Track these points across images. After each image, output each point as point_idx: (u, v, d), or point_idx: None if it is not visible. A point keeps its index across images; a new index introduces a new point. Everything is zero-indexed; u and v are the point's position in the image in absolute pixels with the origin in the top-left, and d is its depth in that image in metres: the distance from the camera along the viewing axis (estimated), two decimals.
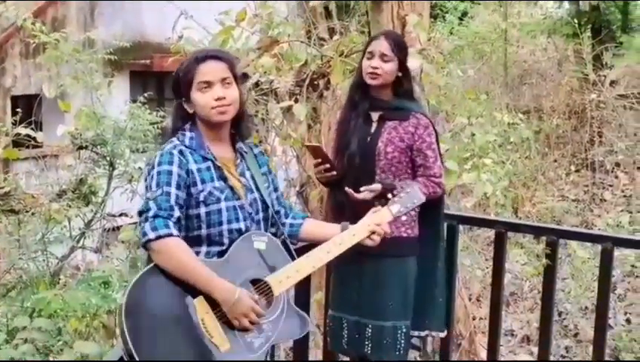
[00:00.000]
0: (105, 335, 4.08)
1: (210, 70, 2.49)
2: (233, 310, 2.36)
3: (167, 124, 2.68)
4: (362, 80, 3.35)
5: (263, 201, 2.62)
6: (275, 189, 2.74)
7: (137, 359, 2.24)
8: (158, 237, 2.33)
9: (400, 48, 3.35)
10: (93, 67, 5.50)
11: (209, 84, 2.48)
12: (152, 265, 2.37)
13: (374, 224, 2.69)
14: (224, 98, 2.49)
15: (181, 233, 2.44)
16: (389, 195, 2.86)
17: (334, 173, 3.26)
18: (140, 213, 2.40)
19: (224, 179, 2.52)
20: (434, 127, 3.39)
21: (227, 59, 2.55)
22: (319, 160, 3.27)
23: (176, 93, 2.57)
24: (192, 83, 2.50)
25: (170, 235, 2.34)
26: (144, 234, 2.34)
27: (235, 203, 2.51)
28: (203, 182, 2.47)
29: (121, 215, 5.32)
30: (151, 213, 2.36)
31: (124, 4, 11.20)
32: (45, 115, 7.49)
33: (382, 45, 3.31)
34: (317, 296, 4.39)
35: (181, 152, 2.47)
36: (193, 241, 2.46)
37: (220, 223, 2.48)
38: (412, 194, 2.85)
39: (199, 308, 2.36)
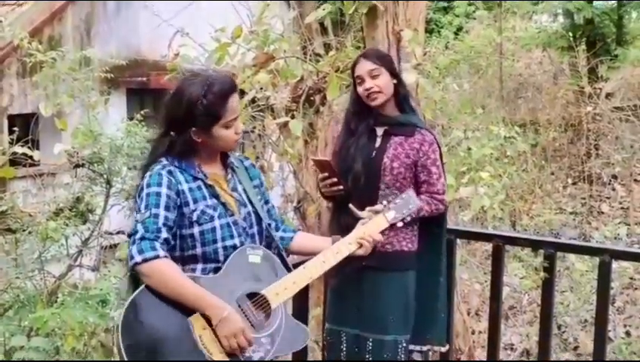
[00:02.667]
0: (103, 354, 4.06)
1: (236, 105, 2.48)
2: (221, 328, 2.34)
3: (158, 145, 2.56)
4: (358, 106, 3.35)
5: (257, 214, 2.61)
6: (266, 202, 2.73)
7: None
8: (145, 260, 2.32)
9: (382, 58, 3.36)
10: (90, 85, 5.50)
11: (234, 120, 2.47)
12: (143, 286, 2.35)
13: (365, 233, 2.71)
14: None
15: (176, 252, 2.45)
16: (384, 202, 2.88)
17: (341, 187, 3.24)
18: (129, 236, 2.40)
19: (216, 196, 2.51)
20: (438, 144, 3.39)
21: (237, 87, 2.54)
22: (326, 174, 3.25)
23: (188, 124, 2.43)
24: (220, 119, 2.44)
25: (157, 257, 2.33)
26: (131, 257, 2.34)
27: (229, 219, 2.51)
28: (195, 201, 2.46)
29: (118, 233, 5.30)
30: (138, 236, 2.36)
31: (120, 23, 11.24)
32: (42, 133, 7.48)
33: (364, 65, 3.30)
34: (315, 312, 4.38)
35: (170, 172, 2.45)
36: (189, 260, 2.46)
37: (215, 241, 2.47)
38: (407, 200, 2.89)
39: (196, 325, 2.35)
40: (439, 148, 3.39)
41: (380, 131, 3.36)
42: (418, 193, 3.30)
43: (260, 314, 2.46)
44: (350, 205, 3.13)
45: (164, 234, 2.38)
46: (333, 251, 2.66)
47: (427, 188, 3.30)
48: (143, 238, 2.35)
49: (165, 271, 2.34)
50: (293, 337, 2.54)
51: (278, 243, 2.67)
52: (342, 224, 3.30)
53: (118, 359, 2.31)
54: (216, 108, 2.42)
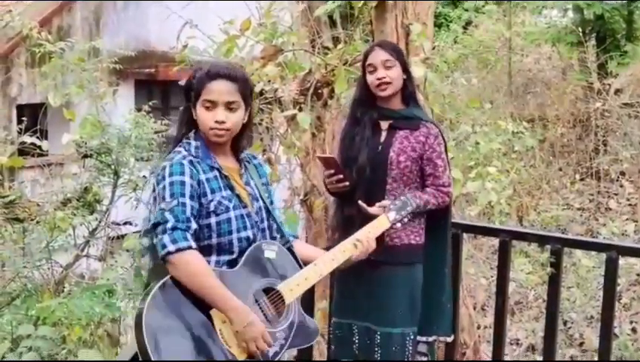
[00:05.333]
0: (109, 344, 4.08)
1: (218, 90, 2.47)
2: (244, 333, 2.35)
3: (171, 132, 2.67)
4: (365, 95, 3.35)
5: (267, 210, 2.63)
6: (271, 202, 2.73)
7: None
8: (178, 250, 2.32)
9: (398, 52, 3.36)
10: (98, 76, 5.52)
11: (213, 104, 2.47)
12: (167, 277, 2.35)
13: (363, 233, 2.80)
14: (224, 122, 2.47)
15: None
16: (409, 208, 3.04)
17: (347, 183, 3.25)
18: (156, 225, 2.37)
19: (231, 188, 2.52)
20: (443, 137, 3.40)
21: (241, 80, 2.51)
22: (332, 171, 3.26)
23: (187, 97, 2.56)
24: (200, 97, 2.49)
25: (190, 248, 2.33)
26: (163, 246, 2.32)
27: (243, 211, 2.52)
28: (212, 191, 2.47)
29: (125, 223, 5.32)
30: (169, 225, 2.34)
31: (129, 14, 11.25)
32: (50, 123, 7.50)
33: (381, 54, 3.30)
34: (321, 305, 4.39)
35: (191, 163, 2.46)
36: (203, 250, 2.46)
37: (230, 232, 2.48)
38: (405, 202, 3.07)
39: (216, 319, 2.36)
40: (444, 141, 3.40)
41: (384, 125, 3.36)
42: (424, 186, 3.32)
43: (275, 310, 2.49)
44: (360, 201, 3.15)
45: (194, 225, 2.39)
46: (340, 249, 2.74)
47: (433, 181, 3.31)
48: (175, 228, 2.34)
49: (194, 264, 2.34)
50: (306, 332, 2.59)
51: (288, 239, 2.69)
52: (345, 215, 3.34)
53: (135, 351, 2.31)
54: (200, 82, 2.49)
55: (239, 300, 2.37)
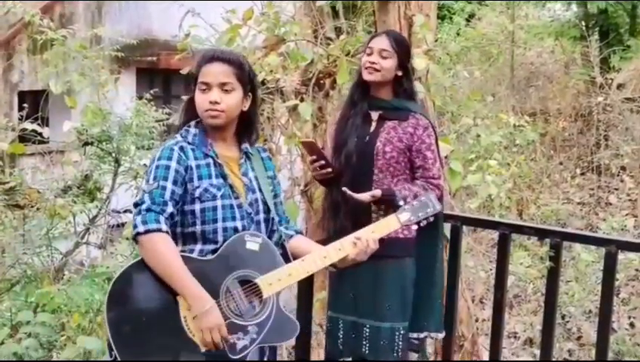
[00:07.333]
0: None
1: (212, 72, 2.49)
2: (199, 320, 2.33)
3: (173, 121, 2.69)
4: (361, 78, 3.33)
5: (265, 203, 2.60)
6: (275, 195, 2.71)
7: (115, 351, 2.30)
8: (147, 231, 2.35)
9: (400, 46, 3.32)
10: (100, 64, 5.51)
11: (208, 86, 2.49)
12: (138, 259, 2.39)
13: (366, 232, 2.63)
14: (218, 103, 2.48)
15: (177, 228, 2.46)
16: (401, 202, 2.76)
17: (330, 170, 3.23)
18: (135, 205, 2.42)
19: (224, 176, 2.52)
20: (433, 128, 3.37)
21: (236, 63, 2.52)
22: (314, 156, 3.25)
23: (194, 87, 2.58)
24: (197, 81, 2.52)
25: (159, 230, 2.35)
26: (134, 226, 2.37)
27: (233, 201, 2.50)
28: (200, 178, 2.47)
29: (125, 211, 5.31)
30: (144, 206, 2.38)
31: (131, 2, 11.22)
32: (51, 110, 7.49)
33: (382, 42, 3.29)
34: (320, 296, 4.40)
35: (182, 148, 2.48)
36: (188, 238, 2.47)
37: (215, 220, 2.47)
38: (425, 203, 2.75)
39: (183, 304, 2.36)
40: (434, 132, 3.37)
41: (374, 116, 3.34)
42: (414, 178, 3.29)
43: (249, 302, 2.44)
44: (344, 188, 3.13)
45: (170, 208, 2.41)
46: (336, 247, 2.60)
47: (423, 173, 3.28)
48: (149, 210, 2.38)
49: (160, 247, 2.35)
50: (282, 329, 2.50)
51: (282, 235, 2.65)
52: (333, 201, 3.32)
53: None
54: (197, 67, 2.53)
55: (202, 288, 2.35)
